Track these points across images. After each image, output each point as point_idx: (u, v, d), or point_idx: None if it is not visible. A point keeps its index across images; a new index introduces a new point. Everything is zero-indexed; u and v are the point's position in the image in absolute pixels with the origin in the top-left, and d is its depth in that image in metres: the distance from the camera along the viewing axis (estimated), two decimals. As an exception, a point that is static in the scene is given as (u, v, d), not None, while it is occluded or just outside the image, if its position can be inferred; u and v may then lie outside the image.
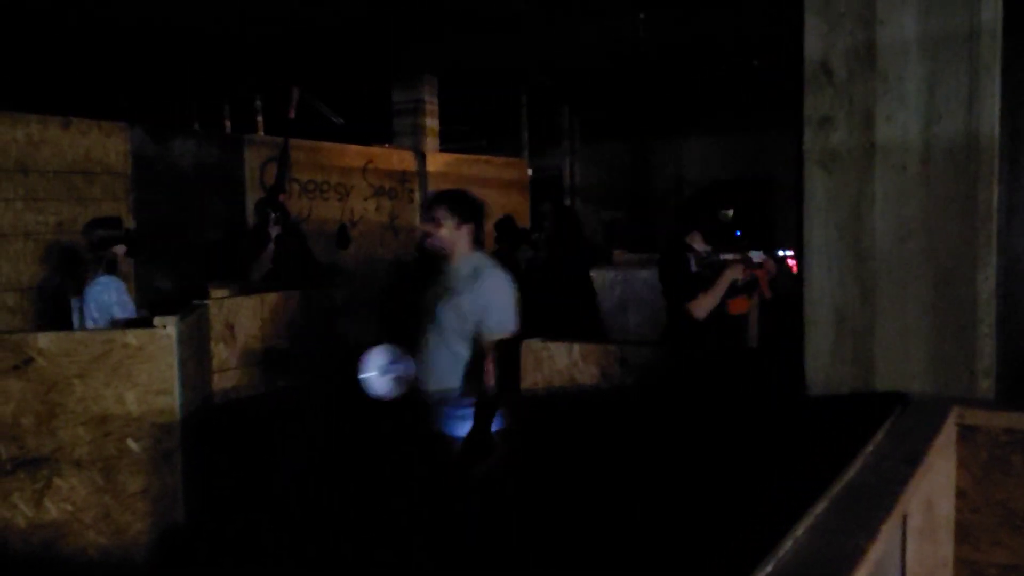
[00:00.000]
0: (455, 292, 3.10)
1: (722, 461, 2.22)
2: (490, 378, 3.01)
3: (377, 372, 3.18)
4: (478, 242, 3.23)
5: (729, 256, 3.71)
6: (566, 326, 5.44)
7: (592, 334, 5.23)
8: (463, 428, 3.03)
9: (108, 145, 5.65)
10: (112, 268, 4.21)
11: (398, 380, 3.19)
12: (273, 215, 5.60)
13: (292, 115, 5.02)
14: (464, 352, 3.09)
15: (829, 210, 1.94)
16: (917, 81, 1.84)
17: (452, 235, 3.14)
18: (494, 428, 3.02)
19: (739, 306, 3.78)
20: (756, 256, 3.79)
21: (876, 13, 1.85)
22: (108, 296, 4.10)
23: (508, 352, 2.97)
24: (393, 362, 3.18)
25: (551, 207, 6.23)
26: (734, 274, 3.69)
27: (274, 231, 5.53)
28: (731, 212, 4.06)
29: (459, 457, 3.00)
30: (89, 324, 4.12)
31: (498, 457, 2.99)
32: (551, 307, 5.45)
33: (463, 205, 3.20)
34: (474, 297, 3.05)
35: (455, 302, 3.09)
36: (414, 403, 3.19)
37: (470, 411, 3.03)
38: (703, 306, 3.59)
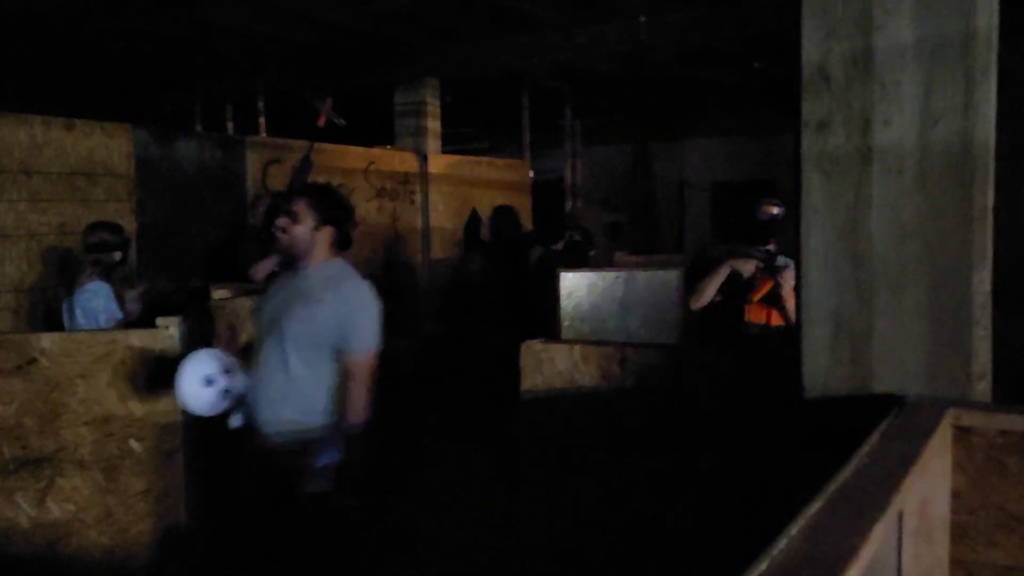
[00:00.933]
0: (308, 301, 2.69)
1: (720, 461, 2.23)
2: (350, 406, 2.67)
3: (198, 382, 2.75)
4: (341, 248, 2.84)
5: (754, 256, 3.52)
6: (505, 326, 5.67)
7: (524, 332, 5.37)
8: (309, 461, 2.63)
9: (111, 146, 5.67)
10: (107, 273, 4.22)
11: (225, 394, 2.77)
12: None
13: (322, 123, 4.96)
14: (311, 373, 2.68)
15: (827, 213, 1.96)
16: (914, 86, 1.85)
17: (309, 235, 2.75)
18: (343, 460, 2.67)
19: (758, 314, 3.60)
20: (781, 261, 3.60)
21: (873, 18, 1.87)
22: (96, 303, 4.11)
23: (369, 375, 2.66)
24: (223, 372, 2.77)
25: (492, 213, 6.39)
26: (738, 267, 3.53)
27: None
28: (775, 209, 3.78)
29: (308, 498, 2.62)
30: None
31: (351, 497, 2.68)
32: (492, 307, 5.66)
33: (327, 204, 2.83)
34: (332, 310, 2.67)
35: (307, 313, 2.68)
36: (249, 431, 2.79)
37: (319, 445, 2.64)
38: (697, 297, 3.49)
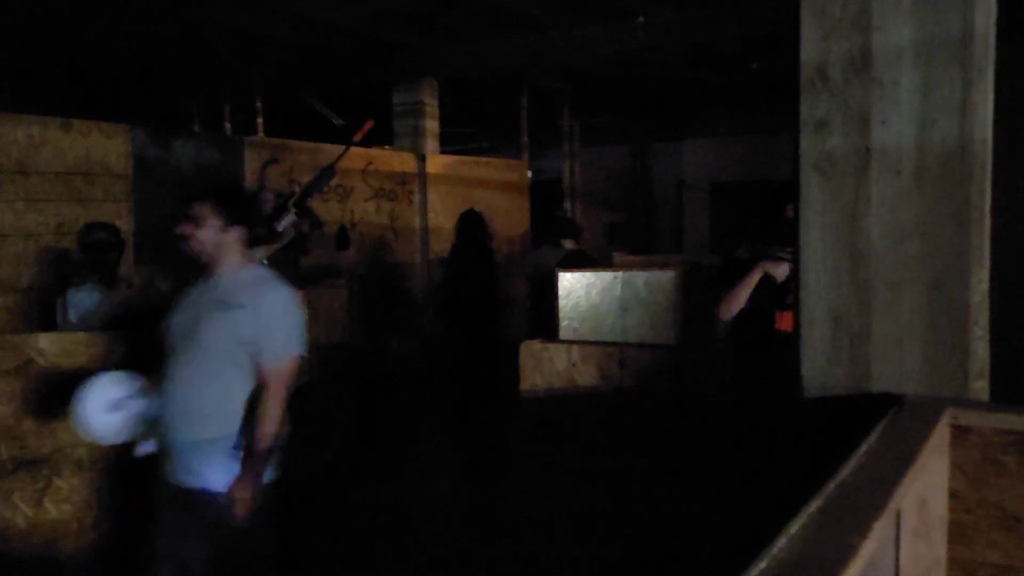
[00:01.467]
0: (225, 308, 2.50)
1: (719, 461, 2.24)
2: (267, 419, 2.47)
3: (104, 408, 2.55)
4: (254, 247, 2.67)
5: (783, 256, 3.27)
6: (464, 327, 5.78)
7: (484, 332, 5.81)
8: (224, 481, 2.43)
9: (109, 147, 5.67)
10: (103, 273, 4.21)
11: (128, 418, 2.57)
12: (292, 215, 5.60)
13: (357, 139, 4.94)
14: (232, 384, 2.50)
15: (825, 213, 1.96)
16: (912, 86, 1.86)
17: (217, 238, 2.57)
18: (264, 481, 2.50)
19: (788, 322, 3.36)
20: None
21: (871, 19, 1.87)
22: (91, 302, 4.11)
23: (285, 386, 2.51)
24: (131, 395, 2.58)
25: (461, 216, 6.50)
26: (770, 271, 3.25)
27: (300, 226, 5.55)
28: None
29: (220, 521, 2.41)
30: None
31: (262, 519, 2.48)
32: (454, 309, 5.82)
33: (233, 203, 2.64)
34: (251, 316, 2.48)
35: (225, 321, 2.48)
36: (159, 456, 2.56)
37: (237, 460, 2.46)
38: (726, 305, 3.22)
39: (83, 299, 4.10)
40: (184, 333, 2.56)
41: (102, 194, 5.59)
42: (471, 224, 6.43)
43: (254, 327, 2.49)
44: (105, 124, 5.68)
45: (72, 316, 4.09)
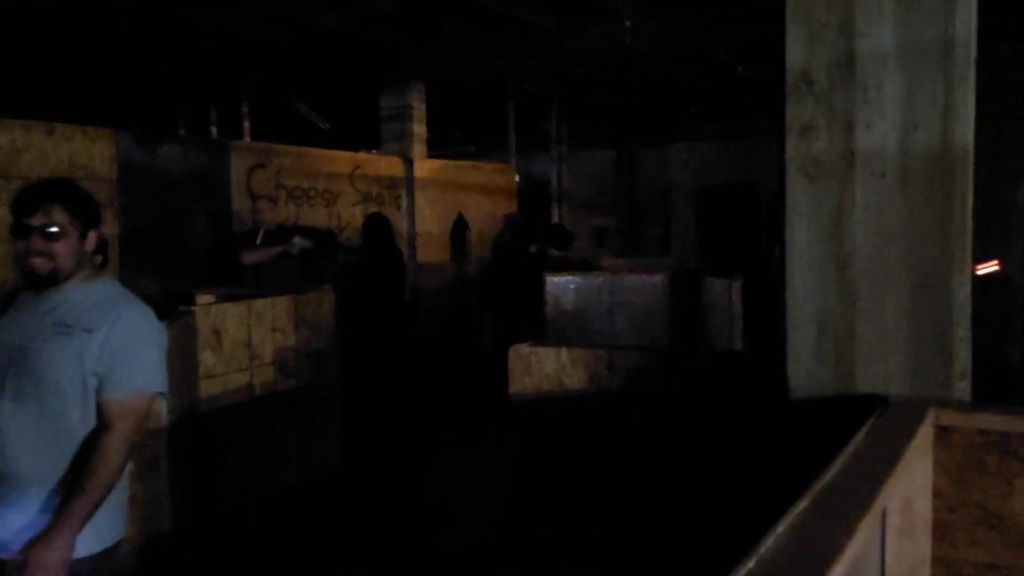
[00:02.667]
0: (71, 330, 2.02)
1: (707, 462, 2.25)
2: (102, 467, 1.94)
3: None
4: (100, 255, 2.18)
5: None
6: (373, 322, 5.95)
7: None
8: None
9: (93, 151, 5.64)
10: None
11: None
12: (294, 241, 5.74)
13: None
14: (71, 426, 2.00)
15: (811, 216, 1.98)
16: (895, 91, 1.88)
17: (77, 249, 2.08)
18: (101, 545, 2.00)
19: None
20: None
21: (856, 25, 1.90)
22: None
23: (137, 426, 2.01)
24: None
25: (366, 219, 6.66)
26: None
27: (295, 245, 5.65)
28: None
29: None
30: None
31: None
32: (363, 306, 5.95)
33: (86, 204, 2.14)
34: (103, 340, 2.01)
35: (68, 346, 2.00)
36: None
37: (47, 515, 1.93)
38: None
39: None
40: (10, 359, 2.04)
41: (87, 198, 5.55)
42: (377, 229, 6.57)
43: (103, 354, 2.02)
44: (89, 128, 5.65)
45: None
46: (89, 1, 6.13)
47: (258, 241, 5.84)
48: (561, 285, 4.74)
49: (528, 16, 6.89)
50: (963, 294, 1.88)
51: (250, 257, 5.71)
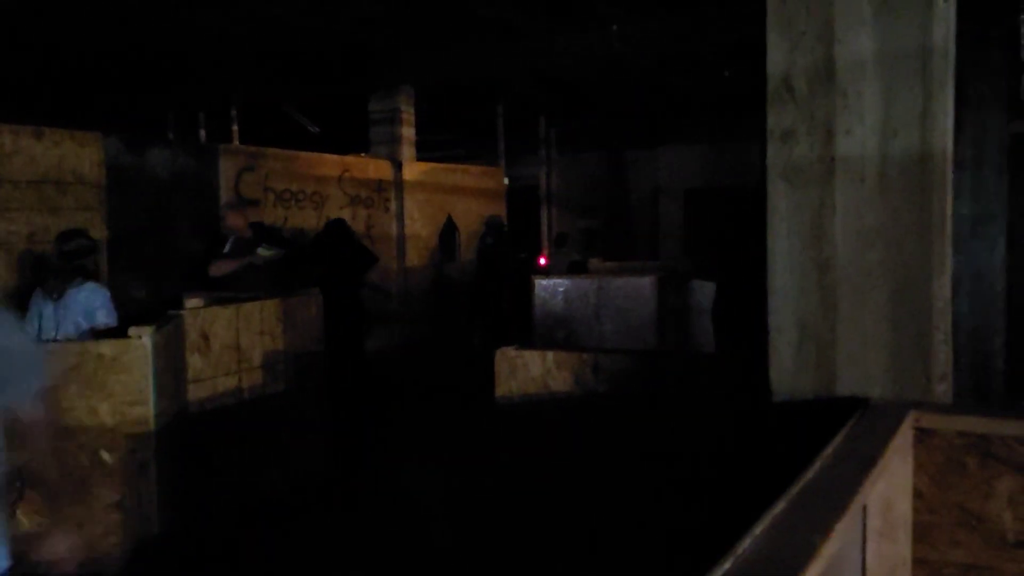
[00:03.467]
0: None
1: (689, 464, 2.27)
2: None
3: None
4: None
5: None
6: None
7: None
8: None
9: (82, 155, 5.62)
10: (94, 277, 4.31)
11: None
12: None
13: None
14: None
15: (792, 221, 2.00)
16: (874, 97, 1.91)
17: None
18: None
19: None
20: None
21: (835, 31, 1.92)
22: (95, 300, 4.19)
23: None
24: None
25: (326, 224, 6.92)
26: None
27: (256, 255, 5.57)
28: None
29: None
30: (71, 329, 4.15)
31: None
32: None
33: None
34: None
35: None
36: None
37: None
38: None
39: (87, 298, 4.21)
40: None
41: (74, 203, 5.54)
42: (337, 234, 6.64)
43: None
44: (78, 132, 5.63)
45: (78, 315, 4.16)
46: (78, 4, 6.12)
47: (226, 250, 5.65)
48: (549, 288, 4.76)
49: (516, 20, 6.91)
50: (943, 297, 1.91)
51: (216, 270, 5.51)
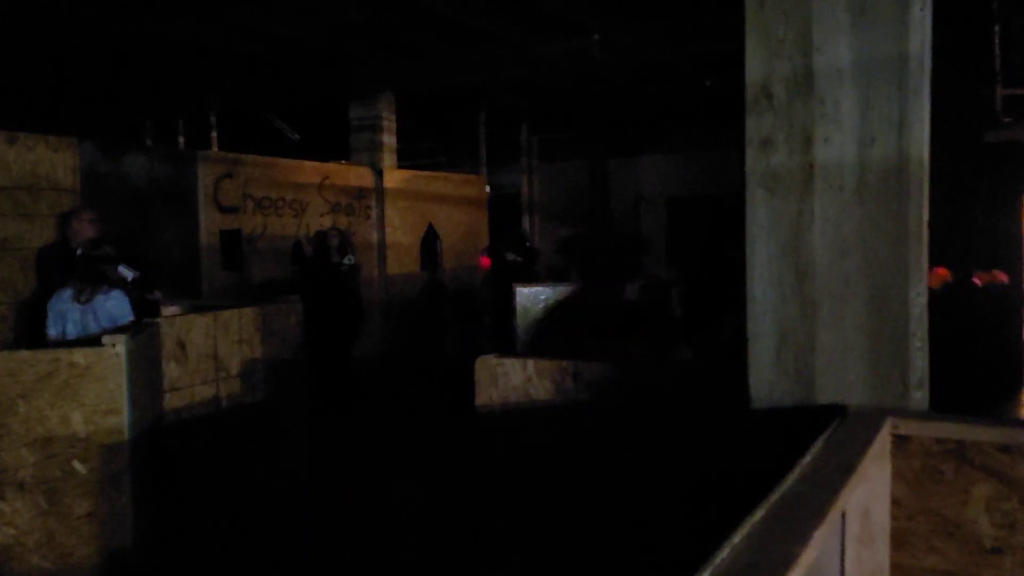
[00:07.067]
0: None
1: (668, 472, 2.26)
2: None
3: None
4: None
5: None
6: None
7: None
8: None
9: (56, 161, 5.54)
10: (122, 284, 4.31)
11: None
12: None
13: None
14: None
15: (771, 228, 2.01)
16: (852, 105, 1.92)
17: None
18: None
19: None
20: None
21: (813, 40, 1.93)
22: (122, 309, 4.17)
23: None
24: None
25: (312, 233, 7.13)
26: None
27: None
28: None
29: None
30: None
31: None
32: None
33: None
34: None
35: None
36: None
37: None
38: None
39: (115, 306, 4.19)
40: None
41: (48, 209, 5.45)
42: (319, 242, 6.85)
43: None
44: (52, 138, 5.55)
45: (104, 320, 4.11)
46: (56, 11, 6.05)
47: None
48: (531, 296, 4.75)
49: (497, 28, 6.92)
50: (919, 304, 1.91)
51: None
